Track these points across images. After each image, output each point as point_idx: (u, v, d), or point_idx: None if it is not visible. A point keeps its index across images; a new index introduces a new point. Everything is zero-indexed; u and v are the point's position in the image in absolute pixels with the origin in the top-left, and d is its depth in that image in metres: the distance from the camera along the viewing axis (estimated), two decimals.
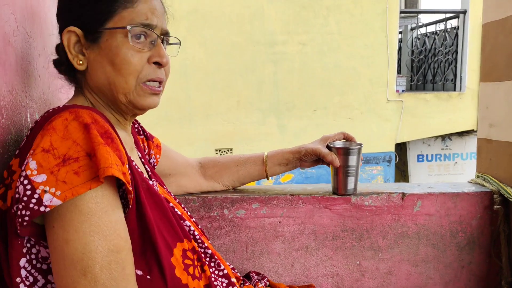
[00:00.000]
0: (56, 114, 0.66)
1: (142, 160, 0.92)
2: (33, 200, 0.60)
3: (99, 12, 0.75)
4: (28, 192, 0.60)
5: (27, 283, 0.65)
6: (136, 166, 0.76)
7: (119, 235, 0.63)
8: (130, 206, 0.68)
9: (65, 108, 0.69)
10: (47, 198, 0.59)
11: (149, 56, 0.78)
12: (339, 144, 1.17)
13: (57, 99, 1.03)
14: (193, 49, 5.55)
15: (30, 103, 0.88)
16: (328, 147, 1.15)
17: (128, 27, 0.75)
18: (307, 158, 1.15)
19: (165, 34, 0.82)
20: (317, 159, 1.17)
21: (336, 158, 1.13)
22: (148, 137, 1.04)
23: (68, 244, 0.60)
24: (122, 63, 0.75)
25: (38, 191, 0.60)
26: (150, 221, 0.70)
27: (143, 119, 1.03)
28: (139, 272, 0.69)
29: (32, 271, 0.66)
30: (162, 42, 0.81)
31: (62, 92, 1.02)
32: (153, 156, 1.04)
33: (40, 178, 0.60)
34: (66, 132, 0.63)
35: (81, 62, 0.77)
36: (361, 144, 1.16)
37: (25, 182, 0.61)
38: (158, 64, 0.79)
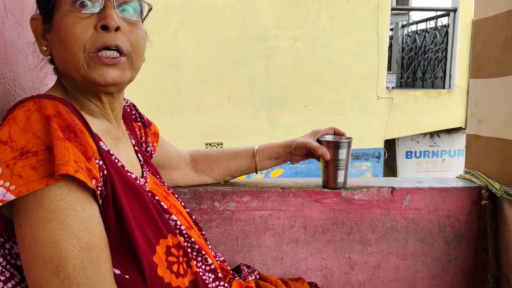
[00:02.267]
0: (20, 104, 0.63)
1: (136, 148, 0.89)
2: None
3: None
4: None
5: (3, 278, 0.63)
6: (116, 160, 0.72)
7: (91, 232, 0.61)
8: (102, 204, 0.65)
9: (32, 98, 0.65)
10: (0, 193, 0.56)
11: (96, 22, 0.70)
12: (329, 137, 1.17)
13: (46, 88, 1.01)
14: (185, 42, 5.51)
15: (20, 92, 0.87)
16: (319, 141, 1.16)
17: None
18: (298, 152, 1.16)
19: None
20: (307, 153, 1.17)
21: (327, 152, 1.13)
22: (146, 124, 1.00)
23: (37, 243, 0.58)
24: (65, 35, 0.69)
25: None
26: (128, 217, 0.67)
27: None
28: (117, 271, 0.66)
29: (8, 266, 0.64)
30: (123, 7, 0.73)
31: (43, 83, 1.00)
32: (150, 144, 1.01)
33: None
34: (27, 124, 0.60)
35: (45, 48, 0.74)
36: (351, 138, 1.17)
37: None
38: (106, 28, 0.70)
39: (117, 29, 0.71)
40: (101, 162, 0.65)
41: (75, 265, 0.58)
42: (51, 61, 0.78)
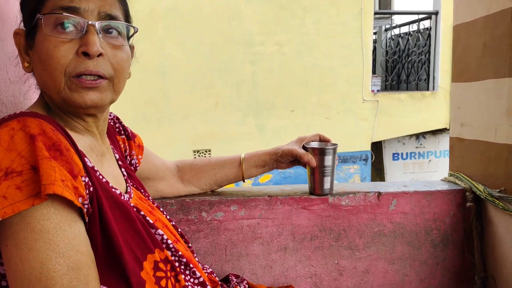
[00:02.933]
0: (3, 123, 0.61)
1: (120, 163, 0.89)
2: None
3: (31, 6, 0.71)
4: None
5: None
6: (100, 176, 0.72)
7: (78, 250, 0.60)
8: (88, 221, 0.64)
9: (15, 117, 0.63)
10: None
11: (78, 47, 0.69)
12: (315, 144, 1.18)
13: (29, 102, 1.00)
14: (171, 49, 5.50)
15: (0, 107, 0.86)
16: (304, 148, 1.16)
17: (39, 16, 0.68)
18: (284, 159, 1.16)
19: (105, 19, 0.72)
20: (293, 160, 1.17)
21: (313, 159, 1.14)
22: (130, 137, 1.00)
23: (23, 263, 0.57)
24: (46, 58, 0.68)
25: None
26: (115, 234, 0.66)
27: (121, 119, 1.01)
28: None
29: None
30: (106, 30, 0.72)
31: (27, 98, 0.99)
32: (134, 157, 1.00)
33: None
34: (11, 143, 0.58)
35: (27, 64, 0.73)
36: (337, 144, 1.18)
37: None
38: (87, 55, 0.69)
39: (100, 55, 0.70)
40: (87, 179, 0.65)
41: (63, 285, 0.57)
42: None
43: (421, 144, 7.02)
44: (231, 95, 5.76)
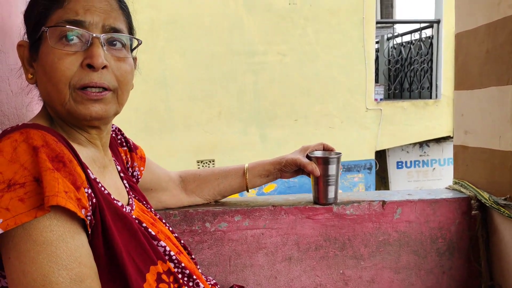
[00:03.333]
0: (6, 135, 0.62)
1: (122, 174, 0.88)
2: None
3: (35, 19, 0.71)
4: None
5: None
6: (102, 188, 0.71)
7: (80, 262, 0.59)
8: (91, 233, 0.64)
9: (18, 128, 0.63)
10: None
11: (83, 59, 0.69)
12: (318, 153, 1.18)
13: (31, 114, 1.01)
14: (172, 59, 5.53)
15: (3, 119, 0.86)
16: (308, 157, 1.16)
17: (45, 29, 0.68)
18: (288, 169, 1.15)
19: (110, 31, 0.72)
20: (297, 170, 1.17)
21: (316, 168, 1.13)
22: (132, 149, 1.00)
23: (26, 276, 0.56)
24: (51, 70, 0.68)
25: None
26: (118, 246, 0.66)
27: (123, 130, 1.01)
28: None
29: None
30: (110, 43, 0.73)
31: (29, 110, 0.99)
32: (136, 169, 1.00)
33: None
34: (14, 155, 0.58)
35: (31, 76, 0.73)
36: (340, 153, 1.17)
37: None
38: (91, 67, 0.69)
39: (104, 67, 0.70)
40: (89, 191, 0.64)
41: None
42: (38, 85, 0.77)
43: (425, 152, 7.00)
44: (233, 105, 5.77)
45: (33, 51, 0.72)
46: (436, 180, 6.97)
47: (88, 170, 0.69)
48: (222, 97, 5.73)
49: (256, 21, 5.67)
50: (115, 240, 0.66)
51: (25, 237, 0.57)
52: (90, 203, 0.63)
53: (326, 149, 1.20)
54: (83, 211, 0.61)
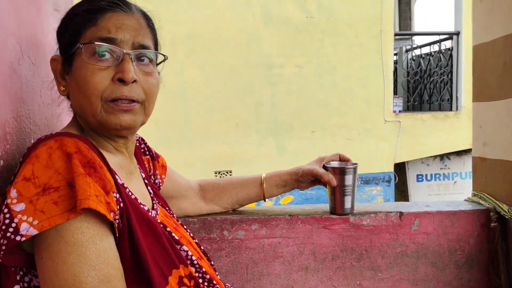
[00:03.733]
0: (41, 142, 0.66)
1: (146, 181, 0.92)
2: (10, 229, 0.60)
3: (70, 36, 0.76)
4: (7, 221, 0.60)
5: None
6: (129, 193, 0.75)
7: (108, 264, 0.63)
8: (118, 236, 0.67)
9: (52, 136, 0.68)
10: (24, 228, 0.59)
11: (114, 73, 0.74)
12: (335, 164, 1.19)
13: (61, 124, 1.05)
14: (191, 72, 5.62)
15: (34, 129, 0.91)
16: (325, 167, 1.17)
17: (79, 45, 0.73)
18: (304, 179, 1.17)
19: (139, 48, 0.77)
20: (314, 180, 1.18)
21: (333, 178, 1.15)
22: (154, 157, 1.04)
23: (58, 276, 0.60)
24: (84, 84, 0.73)
25: (16, 220, 0.60)
26: (143, 249, 0.69)
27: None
28: None
29: None
30: (139, 58, 0.78)
31: (59, 120, 1.04)
32: (158, 177, 1.04)
33: (19, 207, 0.60)
34: (49, 161, 0.63)
35: (63, 88, 0.78)
36: (357, 164, 1.18)
37: (5, 210, 0.61)
38: (122, 81, 0.74)
39: (134, 81, 0.75)
40: (118, 195, 0.68)
41: None
42: (69, 97, 0.81)
43: (445, 165, 6.88)
44: (250, 117, 5.82)
45: (66, 65, 0.77)
46: (457, 194, 6.83)
47: (116, 176, 0.73)
48: (240, 109, 5.78)
49: (274, 34, 5.74)
50: (140, 244, 0.69)
51: (57, 238, 0.61)
52: (118, 207, 0.67)
53: (342, 159, 1.21)
54: (111, 214, 0.64)
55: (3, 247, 0.60)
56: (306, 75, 5.83)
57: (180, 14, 5.47)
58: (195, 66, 5.62)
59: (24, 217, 0.60)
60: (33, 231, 0.59)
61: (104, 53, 0.74)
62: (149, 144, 1.06)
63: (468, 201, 1.36)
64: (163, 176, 1.06)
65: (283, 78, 5.81)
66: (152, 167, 1.02)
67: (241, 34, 5.69)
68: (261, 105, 5.83)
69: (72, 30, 0.76)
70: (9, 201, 0.61)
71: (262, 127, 5.84)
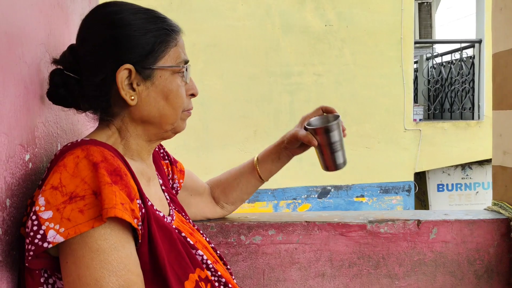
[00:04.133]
0: (69, 151, 0.69)
1: (163, 187, 0.94)
2: (38, 236, 0.63)
3: (153, 51, 0.78)
4: (35, 228, 0.63)
5: None
6: (147, 200, 0.76)
7: (129, 270, 0.65)
8: (140, 241, 0.69)
9: (79, 145, 0.71)
10: (51, 235, 0.62)
11: (186, 89, 0.85)
12: (316, 122, 1.12)
13: (85, 130, 1.09)
14: (210, 81, 5.69)
15: (61, 133, 0.95)
16: (306, 129, 1.10)
17: (182, 66, 0.83)
18: (291, 145, 1.12)
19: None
20: (303, 145, 1.12)
21: (313, 138, 1.06)
22: (172, 162, 1.06)
23: (80, 280, 0.63)
24: (175, 98, 0.82)
25: (43, 227, 0.63)
26: (162, 255, 0.71)
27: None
28: None
29: None
30: None
31: (81, 125, 1.07)
32: (176, 181, 1.06)
33: (47, 215, 0.63)
34: (76, 170, 0.66)
35: (132, 97, 0.77)
36: (338, 116, 1.10)
37: (34, 217, 0.64)
38: (193, 96, 0.88)
39: None
40: (140, 202, 0.70)
41: None
42: (99, 106, 0.80)
43: (467, 175, 6.75)
44: (269, 125, 5.83)
45: (143, 76, 0.78)
46: (479, 204, 6.68)
47: (139, 183, 0.76)
48: (258, 117, 5.81)
49: (293, 42, 5.76)
50: (159, 248, 0.71)
51: (81, 244, 0.64)
52: (140, 213, 0.69)
53: (325, 111, 1.12)
54: (135, 220, 0.67)
55: (31, 253, 0.64)
56: (325, 84, 5.83)
57: (201, 23, 5.55)
58: (214, 74, 5.69)
59: (51, 225, 0.63)
60: (60, 239, 0.62)
61: (186, 72, 0.85)
62: (167, 150, 1.09)
63: (487, 210, 1.34)
64: (181, 181, 1.08)
65: (302, 86, 5.82)
66: (170, 171, 1.05)
67: (260, 43, 5.73)
68: (280, 113, 5.85)
69: (156, 46, 0.79)
70: (37, 208, 0.64)
71: (280, 135, 5.77)
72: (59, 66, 0.81)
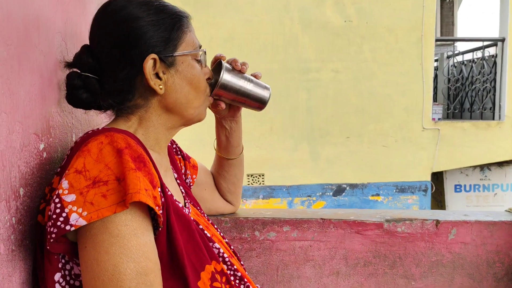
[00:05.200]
0: (92, 137, 0.69)
1: (178, 181, 0.94)
2: (61, 219, 0.63)
3: (171, 39, 0.79)
4: (58, 210, 0.63)
5: None
6: (167, 190, 0.77)
7: (147, 257, 0.65)
8: (160, 229, 0.69)
9: (102, 132, 0.71)
10: (73, 218, 0.62)
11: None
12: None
13: (99, 119, 1.09)
14: None
15: (76, 123, 0.95)
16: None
17: (200, 51, 0.84)
18: (220, 114, 1.07)
19: None
20: (227, 106, 1.04)
21: (219, 102, 0.97)
22: (185, 158, 1.06)
23: (99, 265, 0.62)
24: (199, 83, 0.83)
25: (66, 210, 0.63)
26: (179, 244, 0.71)
27: (178, 142, 1.08)
28: None
29: (66, 286, 0.69)
30: None
31: (93, 115, 1.06)
32: (189, 176, 1.06)
33: (70, 198, 0.63)
34: (99, 155, 0.66)
35: (161, 86, 0.78)
36: (219, 60, 0.98)
37: (57, 200, 0.64)
38: (208, 79, 0.88)
39: None
40: (160, 190, 0.70)
41: (131, 287, 0.62)
42: (122, 97, 0.79)
43: (485, 176, 6.61)
44: (285, 121, 5.80)
45: (167, 64, 0.79)
46: (498, 206, 6.54)
47: (158, 172, 0.75)
48: (275, 114, 5.78)
49: (311, 38, 5.71)
50: (177, 238, 0.71)
51: (102, 229, 0.63)
52: (161, 201, 0.69)
53: (215, 64, 1.00)
54: (156, 208, 0.66)
55: (53, 235, 0.63)
56: (343, 81, 5.77)
57: (218, 17, 5.55)
58: None
59: (74, 208, 0.62)
60: (82, 222, 0.62)
61: (204, 57, 0.86)
62: (181, 146, 1.08)
63: (509, 212, 1.30)
64: (194, 176, 1.08)
65: (320, 83, 5.77)
66: (183, 166, 1.05)
67: (278, 38, 5.70)
68: (296, 110, 5.81)
69: (173, 33, 0.79)
70: (60, 191, 0.64)
71: (297, 132, 5.81)
72: (73, 69, 0.80)
